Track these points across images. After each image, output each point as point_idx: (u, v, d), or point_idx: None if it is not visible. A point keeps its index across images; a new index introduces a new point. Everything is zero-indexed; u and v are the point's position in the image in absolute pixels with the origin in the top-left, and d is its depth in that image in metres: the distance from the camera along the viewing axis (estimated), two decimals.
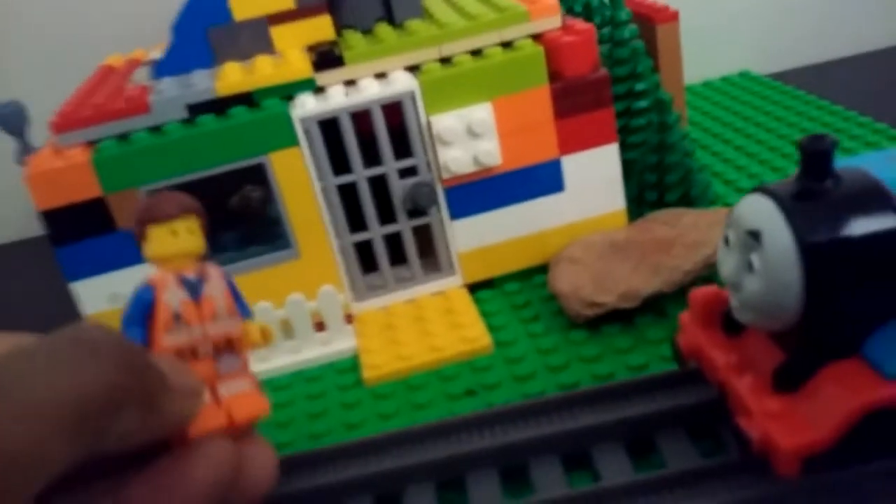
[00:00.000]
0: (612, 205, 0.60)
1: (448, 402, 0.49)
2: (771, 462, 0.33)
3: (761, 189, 0.34)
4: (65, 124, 0.53)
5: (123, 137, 0.53)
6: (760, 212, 0.33)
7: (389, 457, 0.41)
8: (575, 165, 0.58)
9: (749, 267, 0.34)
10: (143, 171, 0.53)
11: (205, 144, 0.53)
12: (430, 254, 0.60)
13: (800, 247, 0.32)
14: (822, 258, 0.32)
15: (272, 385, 0.54)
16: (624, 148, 0.65)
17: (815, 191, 0.33)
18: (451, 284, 0.60)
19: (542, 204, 0.59)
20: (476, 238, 0.59)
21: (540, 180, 0.58)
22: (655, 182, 0.61)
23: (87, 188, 0.52)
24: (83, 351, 0.25)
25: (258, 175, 0.54)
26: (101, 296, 0.55)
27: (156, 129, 0.53)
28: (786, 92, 0.88)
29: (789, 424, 0.33)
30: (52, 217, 0.53)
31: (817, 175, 0.33)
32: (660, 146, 0.60)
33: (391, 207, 0.57)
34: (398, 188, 0.56)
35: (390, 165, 0.56)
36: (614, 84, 0.63)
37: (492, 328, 0.55)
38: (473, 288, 0.60)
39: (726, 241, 0.36)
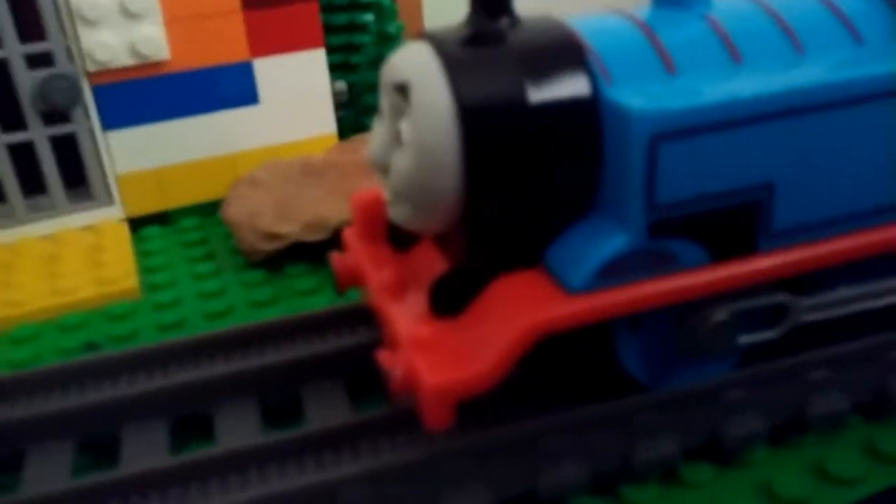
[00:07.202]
0: (320, 126, 0.49)
1: (60, 359, 0.35)
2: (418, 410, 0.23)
3: (422, 34, 0.25)
4: None
5: None
6: (412, 60, 0.24)
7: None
8: (271, 72, 0.47)
9: (398, 139, 0.24)
10: None
11: None
12: (82, 181, 0.46)
13: (457, 102, 0.23)
14: (487, 120, 0.23)
15: None
16: (346, 70, 0.55)
17: (485, 35, 0.24)
18: (108, 217, 0.46)
19: (230, 118, 0.47)
20: (142, 157, 0.46)
21: (226, 87, 0.46)
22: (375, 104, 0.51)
23: None
24: None
25: None
26: None
27: None
28: None
29: (441, 356, 0.23)
30: None
31: (489, 9, 0.24)
32: (379, 61, 0.50)
33: (19, 108, 0.43)
34: (26, 80, 0.42)
35: (13, 48, 0.41)
36: (334, 13, 0.53)
37: (147, 270, 0.43)
38: (140, 224, 0.47)
39: (379, 112, 0.26)
